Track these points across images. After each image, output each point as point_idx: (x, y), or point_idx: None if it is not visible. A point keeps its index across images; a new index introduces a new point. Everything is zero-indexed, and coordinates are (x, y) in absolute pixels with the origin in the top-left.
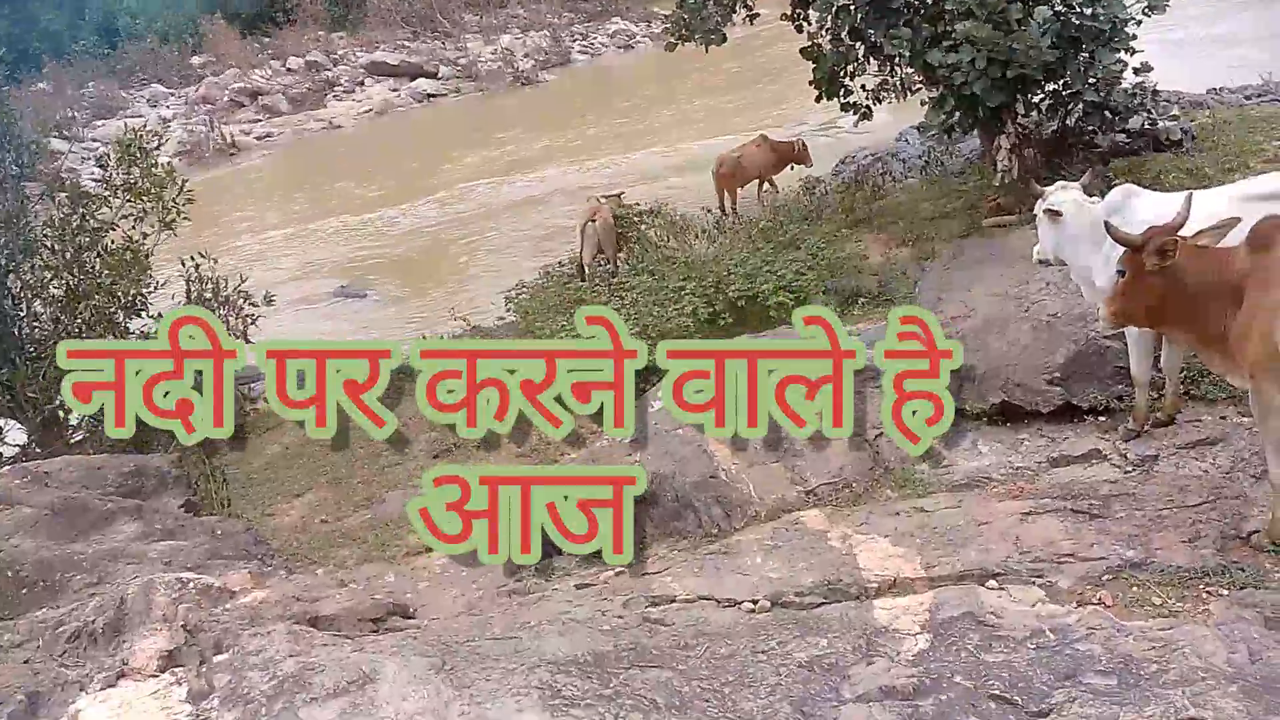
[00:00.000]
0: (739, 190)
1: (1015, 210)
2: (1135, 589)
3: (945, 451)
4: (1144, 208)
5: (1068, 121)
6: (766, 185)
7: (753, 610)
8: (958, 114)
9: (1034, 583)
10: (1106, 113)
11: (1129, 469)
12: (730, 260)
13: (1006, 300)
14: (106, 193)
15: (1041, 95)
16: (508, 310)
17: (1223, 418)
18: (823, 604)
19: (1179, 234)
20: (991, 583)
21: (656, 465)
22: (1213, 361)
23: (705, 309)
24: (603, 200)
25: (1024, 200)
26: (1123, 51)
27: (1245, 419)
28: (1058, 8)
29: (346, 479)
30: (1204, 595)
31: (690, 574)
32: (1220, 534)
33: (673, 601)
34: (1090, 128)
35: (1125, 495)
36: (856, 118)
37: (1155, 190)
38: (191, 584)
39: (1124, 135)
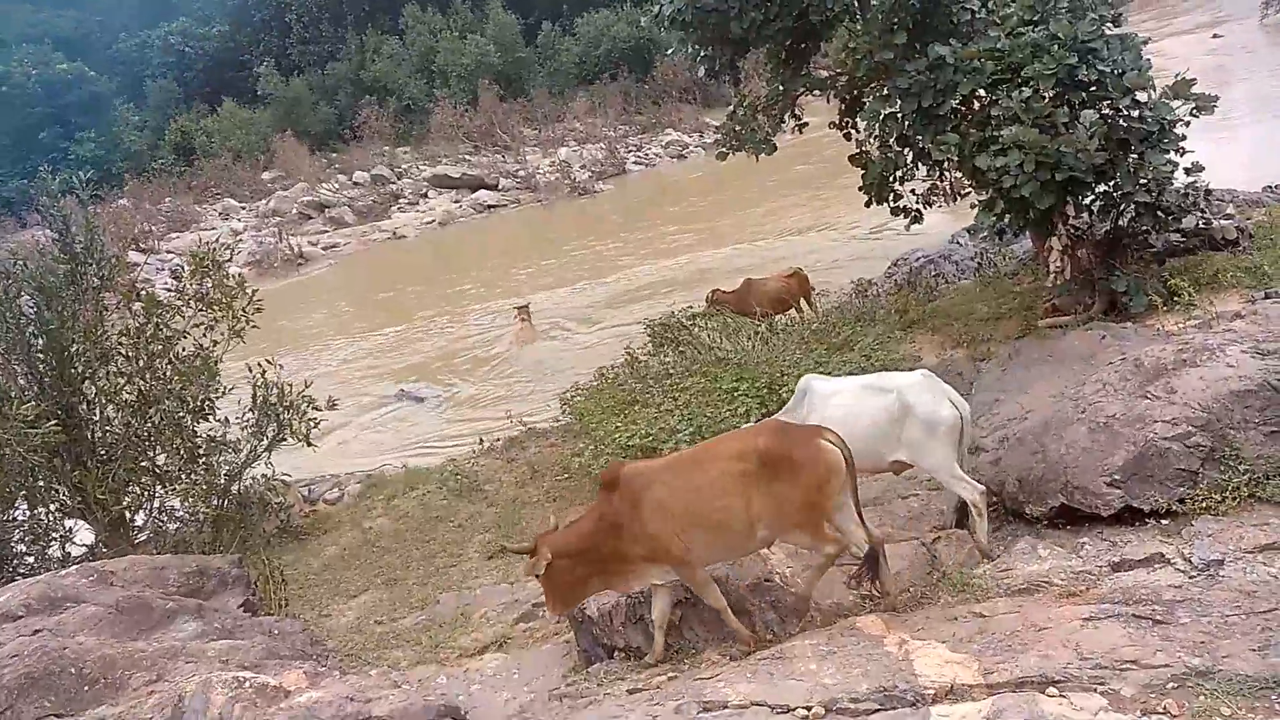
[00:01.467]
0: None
1: (1071, 311)
2: (1202, 699)
3: (1004, 555)
4: (820, 397)
5: (1120, 222)
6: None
7: (806, 717)
8: (1008, 216)
9: (1096, 690)
10: (1159, 213)
11: (1193, 574)
12: (783, 361)
13: (1063, 401)
14: (179, 302)
15: (1092, 196)
16: (563, 411)
17: None
18: (878, 711)
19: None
20: (1052, 690)
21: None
22: (649, 576)
23: (759, 409)
24: (520, 314)
25: (1080, 301)
26: (1173, 152)
27: None
28: (1105, 111)
29: (402, 580)
30: (1276, 707)
31: (743, 679)
32: None
33: (725, 707)
34: (1144, 228)
35: (1190, 601)
36: (907, 221)
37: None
38: (248, 683)
39: (1179, 235)
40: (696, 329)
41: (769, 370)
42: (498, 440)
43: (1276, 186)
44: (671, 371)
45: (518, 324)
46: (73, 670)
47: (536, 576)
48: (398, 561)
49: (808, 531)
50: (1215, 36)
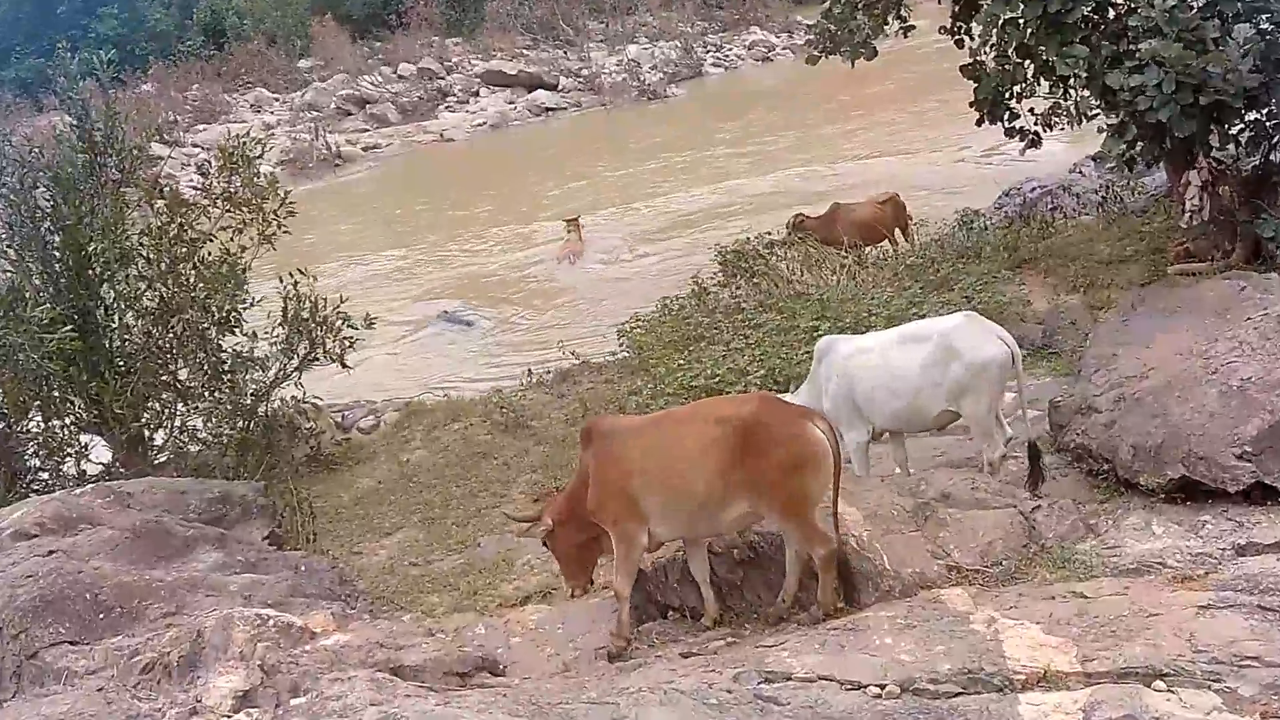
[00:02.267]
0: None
1: (1208, 257)
2: None
3: (1113, 530)
4: (842, 358)
5: (1271, 156)
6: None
7: (879, 695)
8: (1141, 144)
9: (1210, 687)
10: None
11: None
12: (871, 299)
13: (1192, 360)
14: (206, 202)
15: (1240, 125)
16: (620, 344)
17: None
18: (960, 694)
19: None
20: (1159, 684)
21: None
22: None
23: None
24: (569, 227)
25: (1218, 245)
26: None
27: None
28: (1263, 26)
29: (440, 519)
30: None
31: (810, 650)
32: None
33: (789, 679)
34: None
35: None
36: (1023, 145)
37: None
38: (271, 622)
39: None
40: (774, 259)
41: (855, 308)
42: (548, 373)
43: None
44: (744, 305)
45: (565, 236)
46: (88, 596)
47: (546, 546)
48: (436, 499)
49: (793, 521)
50: None
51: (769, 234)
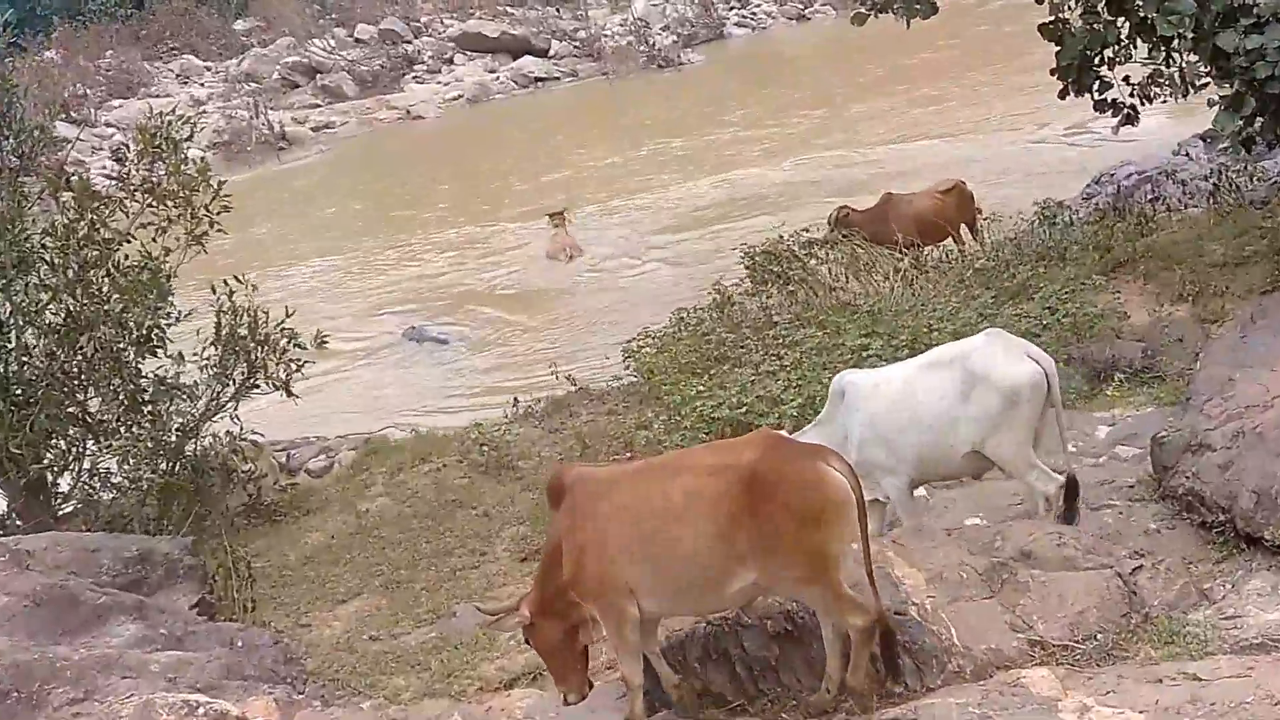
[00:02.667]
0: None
1: None
2: None
3: (1232, 595)
4: (861, 395)
5: None
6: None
7: None
8: (1261, 119)
9: None
10: None
11: None
12: (933, 311)
13: None
14: (123, 194)
15: None
16: (626, 367)
17: None
18: None
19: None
20: None
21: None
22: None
23: None
24: (556, 220)
25: None
26: None
27: None
28: None
29: (407, 583)
30: None
31: None
32: None
33: None
34: None
35: None
36: (1117, 121)
37: None
38: (201, 710)
39: None
40: (813, 261)
41: (912, 322)
42: (538, 401)
43: None
44: (777, 318)
45: (552, 231)
46: None
47: (528, 642)
48: (402, 558)
49: (816, 588)
50: None
51: (806, 231)
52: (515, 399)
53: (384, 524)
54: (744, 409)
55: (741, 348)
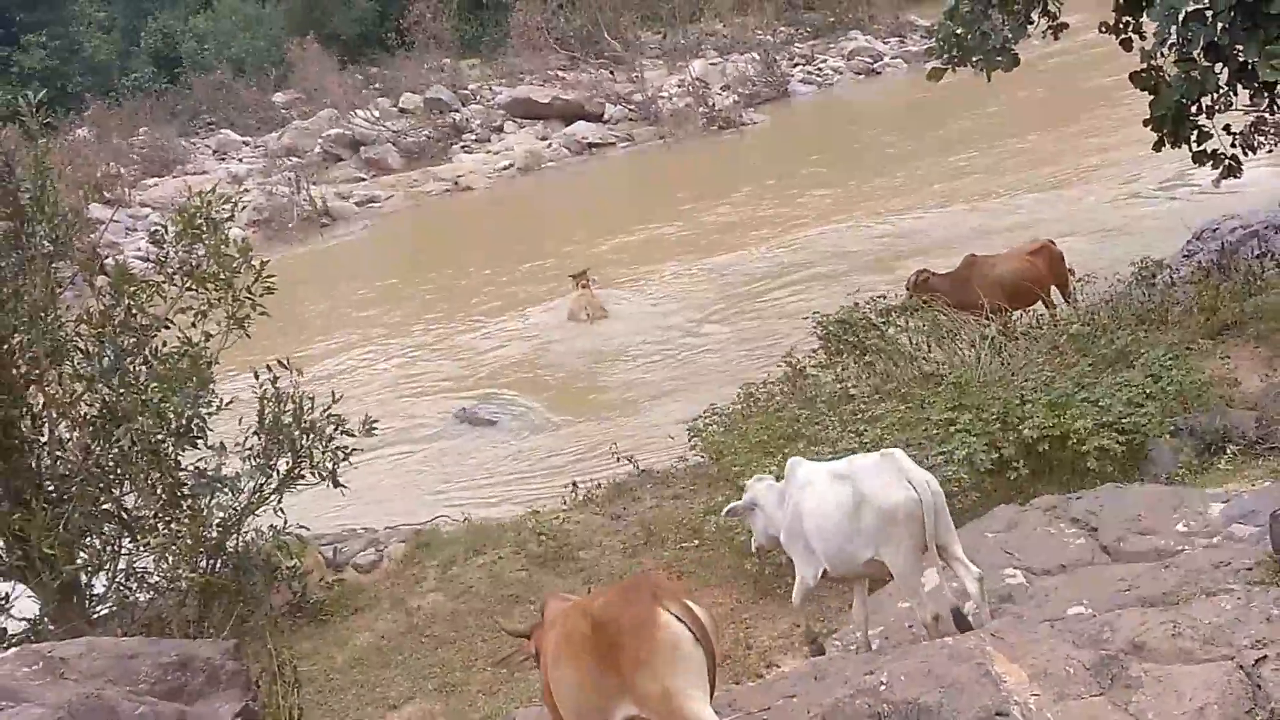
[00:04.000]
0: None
1: None
2: None
3: None
4: (797, 486)
5: None
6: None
7: None
8: None
9: None
10: None
11: None
12: (1025, 381)
13: None
14: (160, 278)
15: None
16: (692, 447)
17: None
18: None
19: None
20: None
21: (911, 690)
22: None
23: (987, 453)
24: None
25: None
26: None
27: None
28: None
29: (463, 685)
30: None
31: None
32: None
33: None
34: None
35: None
36: (1218, 173)
37: None
38: None
39: None
40: (892, 329)
41: (1003, 394)
42: (598, 486)
43: None
44: (854, 392)
45: (575, 292)
46: None
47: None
48: (457, 658)
49: None
50: None
51: (883, 297)
52: (574, 484)
53: (437, 622)
54: None
55: (817, 424)
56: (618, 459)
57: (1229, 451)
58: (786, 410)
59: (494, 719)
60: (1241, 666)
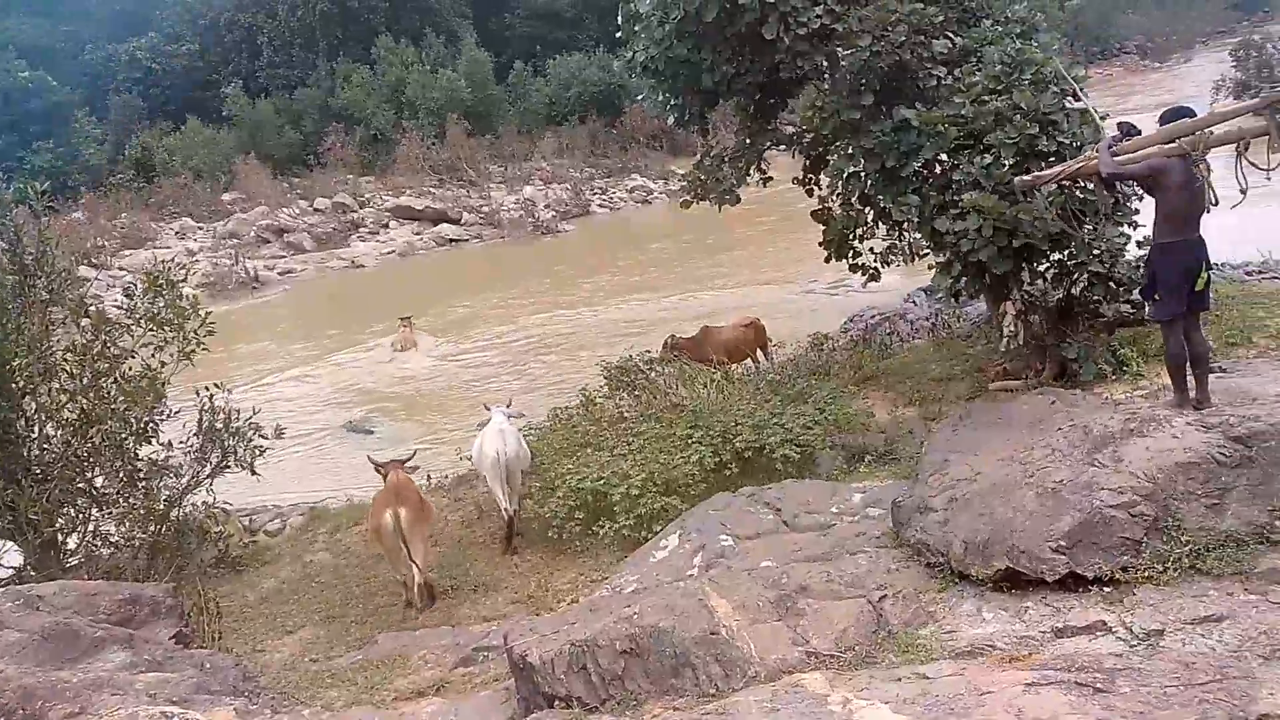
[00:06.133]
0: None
1: (1021, 375)
2: None
3: (949, 616)
4: (484, 429)
5: (1073, 290)
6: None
7: None
8: (964, 279)
9: None
10: (1111, 283)
11: (1134, 643)
12: (738, 410)
13: (1012, 465)
14: (129, 321)
15: (1047, 264)
16: None
17: (1229, 594)
18: None
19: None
20: None
21: (655, 618)
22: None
23: (712, 458)
24: (403, 323)
25: (1031, 366)
26: (1126, 225)
27: (1252, 595)
28: (1064, 183)
29: (340, 617)
30: None
31: None
32: (1228, 715)
33: None
34: (1095, 297)
35: (1131, 670)
36: (865, 278)
37: None
38: (175, 718)
39: (1129, 305)
40: (653, 374)
41: (724, 419)
42: (446, 478)
43: (1224, 264)
44: (626, 415)
45: (401, 331)
46: None
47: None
48: (337, 598)
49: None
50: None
51: (648, 352)
52: (429, 475)
53: (324, 572)
54: (601, 481)
55: (601, 436)
56: (460, 459)
57: (867, 460)
58: (580, 427)
59: (364, 640)
60: (870, 602)
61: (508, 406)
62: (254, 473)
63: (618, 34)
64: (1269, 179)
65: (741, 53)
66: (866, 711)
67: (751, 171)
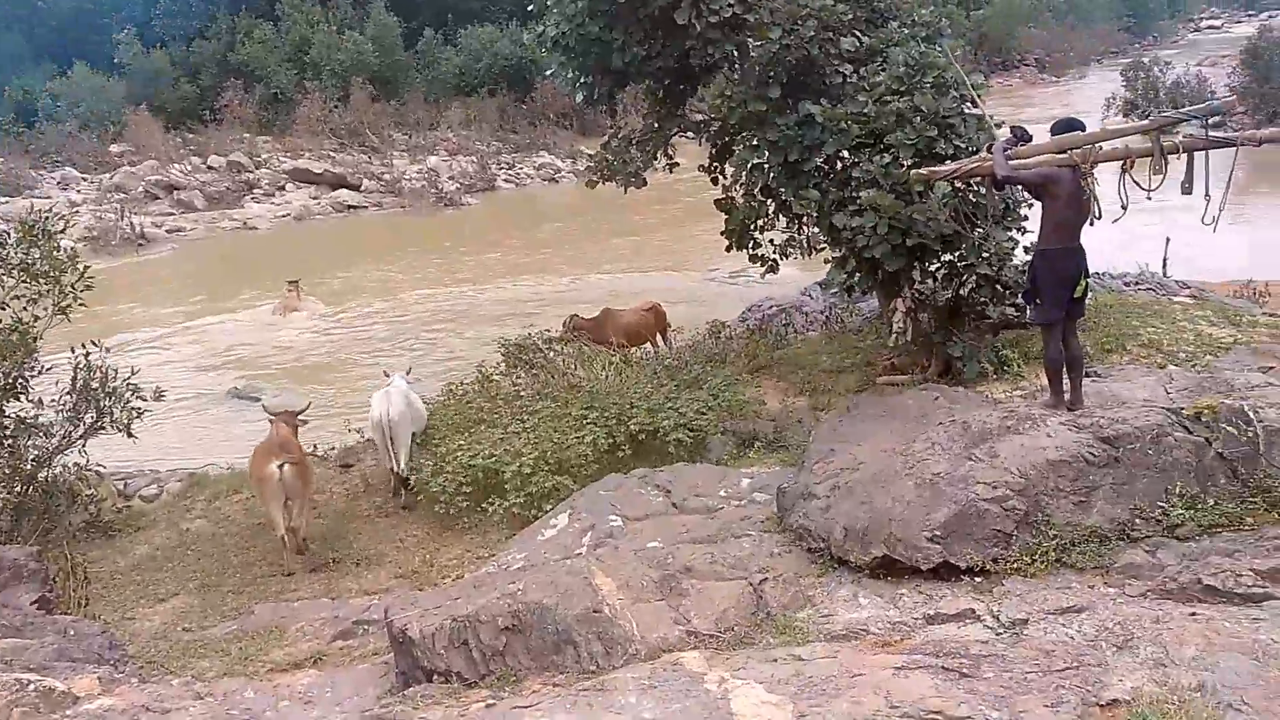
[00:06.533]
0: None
1: (909, 370)
2: None
3: (827, 600)
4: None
5: (961, 291)
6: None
7: None
8: (858, 274)
9: None
10: (998, 286)
11: (1000, 631)
12: (634, 393)
13: (893, 456)
14: (1, 271)
15: (938, 264)
16: None
17: (1090, 586)
18: None
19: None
20: None
21: (539, 595)
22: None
23: (606, 439)
24: (289, 286)
25: (918, 362)
26: (1015, 230)
27: (1111, 588)
28: (957, 185)
29: (216, 587)
30: None
31: (562, 710)
32: (1081, 700)
33: None
34: (982, 299)
35: (995, 656)
36: (764, 269)
37: None
38: (32, 686)
39: (1014, 308)
40: (552, 353)
41: (619, 401)
42: (332, 449)
43: (1104, 273)
44: (522, 393)
45: (285, 294)
46: None
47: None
48: (214, 567)
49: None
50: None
51: (548, 331)
52: (315, 445)
53: (201, 540)
54: (493, 459)
55: (495, 414)
56: (349, 430)
57: (756, 446)
58: (475, 403)
59: (240, 611)
60: (751, 585)
61: (408, 373)
62: (130, 435)
63: (530, 6)
64: (1149, 198)
65: (653, 35)
66: (741, 690)
67: (658, 156)
